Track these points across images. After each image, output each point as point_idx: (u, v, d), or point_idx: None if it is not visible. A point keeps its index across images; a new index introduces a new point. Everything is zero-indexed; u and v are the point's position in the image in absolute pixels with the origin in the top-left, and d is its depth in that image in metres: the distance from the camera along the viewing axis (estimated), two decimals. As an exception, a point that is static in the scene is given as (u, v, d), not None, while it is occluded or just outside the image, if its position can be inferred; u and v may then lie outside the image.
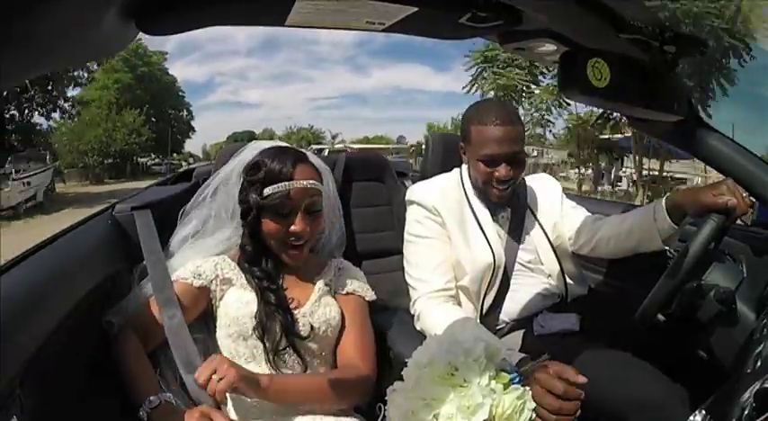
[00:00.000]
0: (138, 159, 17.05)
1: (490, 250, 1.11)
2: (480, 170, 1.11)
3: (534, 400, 0.67)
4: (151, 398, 0.77)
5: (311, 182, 0.91)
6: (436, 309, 1.05)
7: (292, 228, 0.89)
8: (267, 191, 0.88)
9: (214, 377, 0.72)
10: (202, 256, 0.96)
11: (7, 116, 11.26)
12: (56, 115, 13.28)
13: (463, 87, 10.50)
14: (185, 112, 20.24)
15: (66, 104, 13.19)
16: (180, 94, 20.21)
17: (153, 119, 17.03)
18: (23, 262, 0.78)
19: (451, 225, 1.13)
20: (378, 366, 0.97)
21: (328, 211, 1.09)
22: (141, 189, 1.46)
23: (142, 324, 0.88)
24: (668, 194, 1.01)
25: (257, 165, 0.92)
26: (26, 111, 12.18)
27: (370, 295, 1.02)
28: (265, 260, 0.94)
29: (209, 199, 1.03)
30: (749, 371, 0.56)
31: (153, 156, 18.45)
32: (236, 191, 0.97)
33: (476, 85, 10.39)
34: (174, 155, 20.17)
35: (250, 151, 1.00)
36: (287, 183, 0.88)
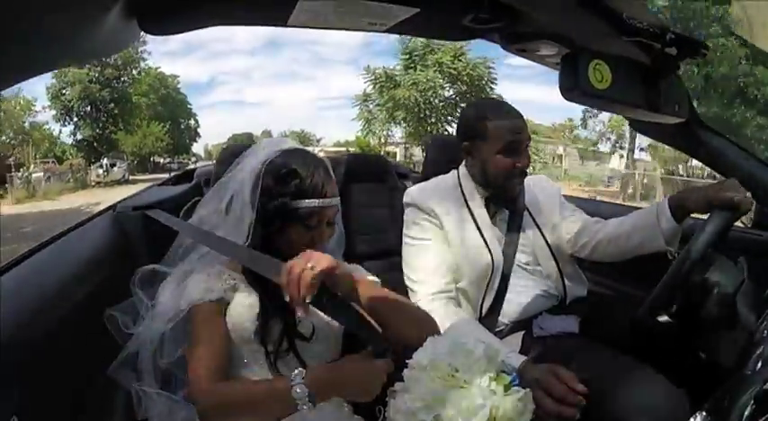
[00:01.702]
0: (154, 158, 25.08)
1: (488, 252, 1.11)
2: (502, 164, 1.10)
3: (534, 402, 0.67)
4: (296, 372, 0.74)
5: (337, 199, 0.92)
6: (438, 312, 1.04)
7: (315, 240, 0.89)
8: (301, 203, 0.87)
9: (307, 265, 0.72)
10: (207, 272, 0.91)
11: (94, 133, 19.98)
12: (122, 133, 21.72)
13: (351, 119, 17.67)
14: (193, 121, 29.00)
15: (128, 126, 21.55)
16: (189, 107, 28.65)
17: (170, 127, 24.74)
18: (25, 261, 0.78)
19: (449, 227, 1.13)
20: None
21: None
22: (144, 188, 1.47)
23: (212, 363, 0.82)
24: (671, 195, 1.02)
25: (292, 173, 0.88)
26: (107, 130, 20.48)
27: (374, 278, 1.02)
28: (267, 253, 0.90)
29: (220, 202, 0.97)
30: (749, 372, 0.56)
31: (166, 156, 26.35)
32: (247, 194, 0.92)
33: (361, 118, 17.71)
34: (185, 155, 28.45)
35: (267, 151, 0.94)
36: (321, 200, 0.88)
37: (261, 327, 0.85)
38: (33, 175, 15.18)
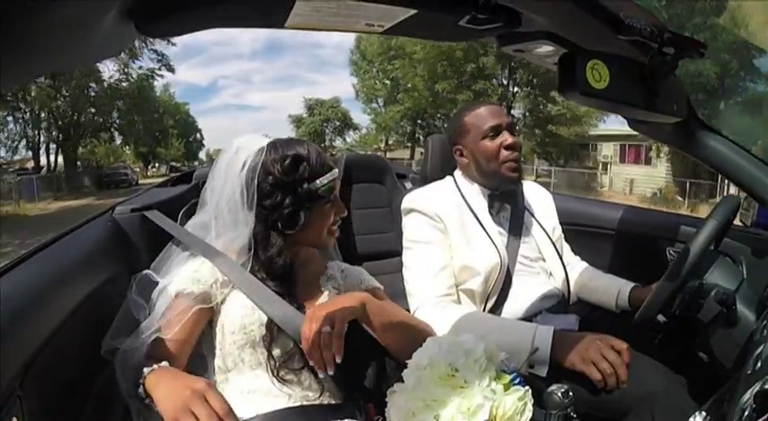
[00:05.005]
0: (171, 163, 37.69)
1: (496, 250, 1.11)
2: (486, 148, 1.14)
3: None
4: (144, 368, 0.71)
5: (336, 170, 0.94)
6: (440, 315, 1.03)
7: (336, 217, 0.92)
8: (319, 182, 0.87)
9: (323, 329, 0.73)
10: (201, 261, 0.88)
11: (148, 149, 32.48)
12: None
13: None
14: (199, 135, 41.95)
15: (165, 144, 34.86)
16: (197, 126, 41.44)
17: (183, 141, 37.10)
18: (24, 263, 0.78)
19: (454, 230, 1.12)
20: (377, 368, 0.96)
21: None
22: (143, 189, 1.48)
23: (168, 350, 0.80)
24: (635, 288, 1.16)
25: (297, 158, 0.87)
26: (153, 146, 33.16)
27: (378, 285, 1.02)
28: (284, 262, 0.87)
29: (212, 203, 0.93)
30: (749, 372, 0.56)
31: (180, 161, 38.13)
32: (239, 193, 0.88)
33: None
34: (192, 160, 40.15)
35: (246, 154, 0.90)
36: (331, 172, 0.90)
37: (269, 332, 0.81)
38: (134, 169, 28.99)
